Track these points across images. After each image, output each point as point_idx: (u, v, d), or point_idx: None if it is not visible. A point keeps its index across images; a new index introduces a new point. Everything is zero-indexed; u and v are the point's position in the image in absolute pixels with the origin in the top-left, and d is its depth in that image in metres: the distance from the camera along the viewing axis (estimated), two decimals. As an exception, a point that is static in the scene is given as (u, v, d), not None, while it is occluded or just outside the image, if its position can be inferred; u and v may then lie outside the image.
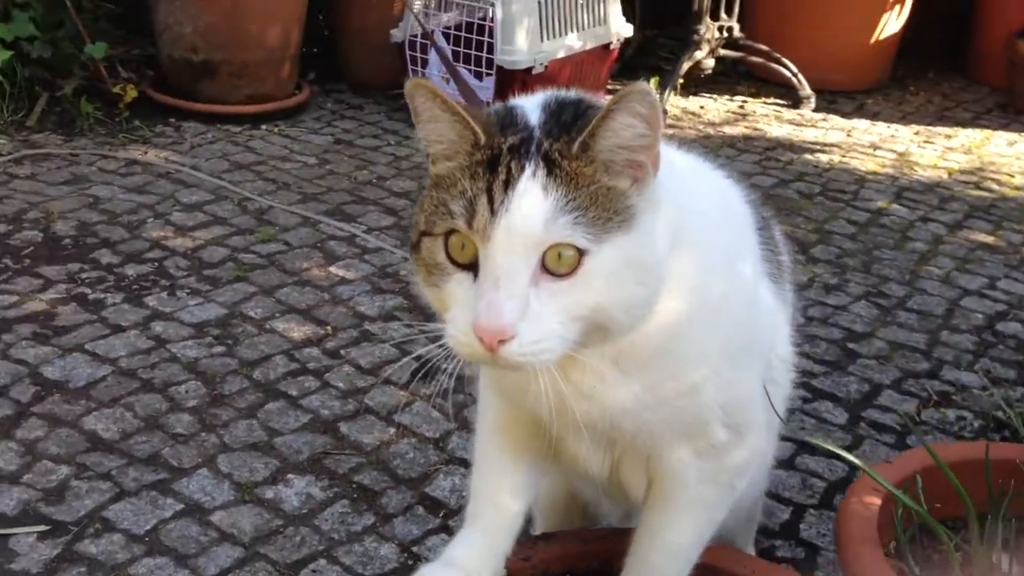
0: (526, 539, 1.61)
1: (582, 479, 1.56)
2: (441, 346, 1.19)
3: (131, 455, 2.37)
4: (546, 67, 4.46)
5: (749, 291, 1.40)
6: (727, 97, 5.10)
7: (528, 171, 1.13)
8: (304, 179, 3.84)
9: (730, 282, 1.35)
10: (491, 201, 1.13)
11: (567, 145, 1.16)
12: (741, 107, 4.98)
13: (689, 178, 1.36)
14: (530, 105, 1.23)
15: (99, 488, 2.27)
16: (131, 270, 3.12)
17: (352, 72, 4.85)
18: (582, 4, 4.51)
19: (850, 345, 2.97)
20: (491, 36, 4.27)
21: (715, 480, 1.43)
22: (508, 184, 1.13)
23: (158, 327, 2.84)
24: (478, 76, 4.35)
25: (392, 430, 2.49)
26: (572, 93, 1.26)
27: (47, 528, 2.16)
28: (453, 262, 1.17)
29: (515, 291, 1.12)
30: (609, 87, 4.86)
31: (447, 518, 2.25)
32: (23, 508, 2.21)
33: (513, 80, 4.39)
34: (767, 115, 4.89)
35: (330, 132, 4.34)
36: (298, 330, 2.87)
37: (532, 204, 1.12)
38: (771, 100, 5.08)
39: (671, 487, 1.43)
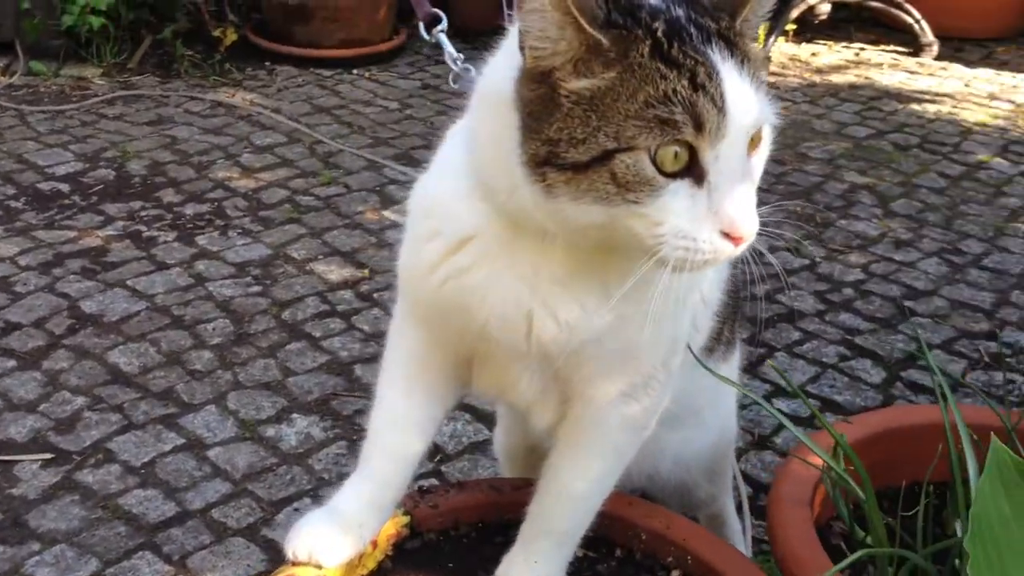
0: (438, 487, 1.56)
1: (503, 405, 1.54)
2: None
3: (146, 389, 2.41)
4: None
5: None
6: (843, 44, 4.88)
7: (716, 57, 1.04)
8: (380, 123, 3.84)
9: None
10: (712, 98, 1.02)
11: (733, 23, 1.08)
12: (857, 55, 4.75)
13: None
14: None
15: (108, 420, 2.33)
16: (190, 209, 3.18)
17: (455, 16, 4.79)
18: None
19: (907, 303, 2.81)
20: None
21: (633, 425, 1.34)
22: (710, 76, 1.03)
23: (201, 266, 2.89)
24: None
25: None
26: None
27: (51, 456, 2.23)
28: (663, 173, 1.05)
29: (749, 183, 1.07)
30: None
31: (441, 463, 2.22)
32: (34, 436, 2.28)
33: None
34: (882, 63, 4.65)
35: (419, 77, 4.32)
36: (337, 272, 2.88)
37: (745, 90, 1.05)
38: (891, 48, 4.84)
39: (587, 426, 1.33)
